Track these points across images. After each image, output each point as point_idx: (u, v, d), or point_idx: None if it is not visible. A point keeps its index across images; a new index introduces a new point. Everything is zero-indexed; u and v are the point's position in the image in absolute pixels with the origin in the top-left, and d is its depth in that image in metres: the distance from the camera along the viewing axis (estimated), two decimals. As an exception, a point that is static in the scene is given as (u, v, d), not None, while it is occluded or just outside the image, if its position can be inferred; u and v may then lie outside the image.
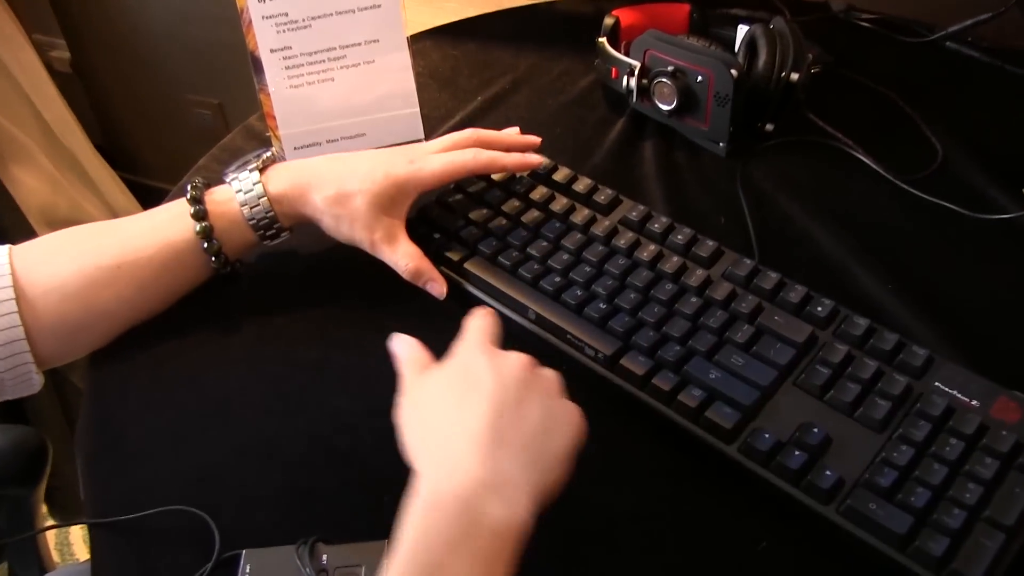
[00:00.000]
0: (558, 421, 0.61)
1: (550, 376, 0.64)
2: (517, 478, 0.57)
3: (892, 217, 0.90)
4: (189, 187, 0.79)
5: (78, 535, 1.86)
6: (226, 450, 0.71)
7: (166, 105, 2.15)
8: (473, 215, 0.85)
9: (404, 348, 0.68)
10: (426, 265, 0.80)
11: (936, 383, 0.68)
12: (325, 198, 0.79)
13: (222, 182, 0.81)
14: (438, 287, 0.80)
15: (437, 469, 0.58)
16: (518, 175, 0.88)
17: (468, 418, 0.60)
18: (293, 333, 0.80)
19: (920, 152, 0.97)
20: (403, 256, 0.80)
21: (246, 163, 0.81)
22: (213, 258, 0.79)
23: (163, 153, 2.29)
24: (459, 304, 0.80)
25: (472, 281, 0.81)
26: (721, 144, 0.97)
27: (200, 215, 0.77)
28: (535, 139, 0.90)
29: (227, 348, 0.79)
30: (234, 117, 2.05)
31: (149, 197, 1.82)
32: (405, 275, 0.80)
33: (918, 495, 0.61)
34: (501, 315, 0.77)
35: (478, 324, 0.68)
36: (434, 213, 0.86)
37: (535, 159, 0.87)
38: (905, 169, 0.94)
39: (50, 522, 1.55)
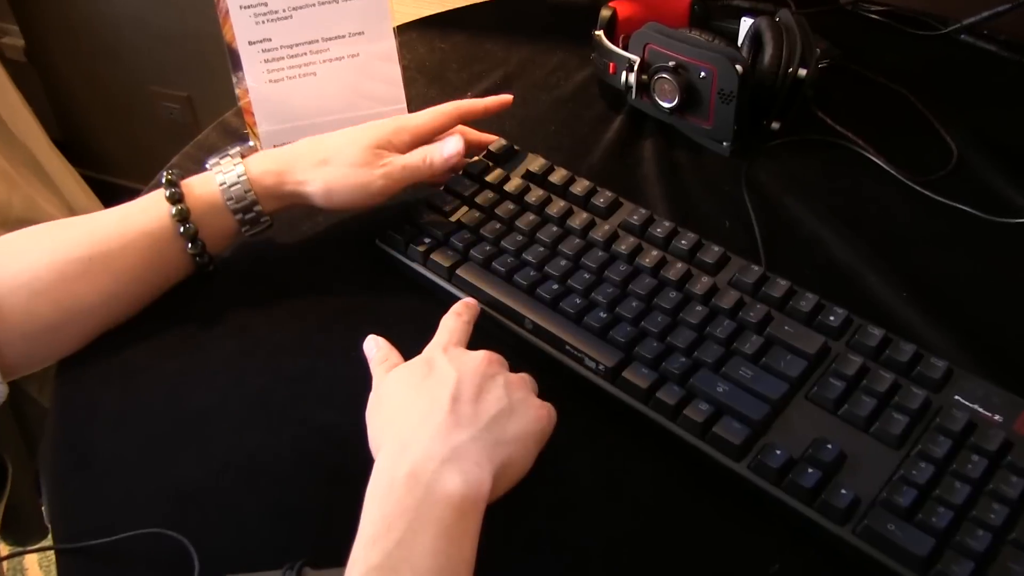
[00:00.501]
0: (519, 409, 0.65)
1: (516, 376, 0.69)
2: (474, 453, 0.61)
3: (905, 220, 0.91)
4: (165, 172, 0.79)
5: (33, 560, 1.85)
6: (205, 468, 0.71)
7: (130, 97, 2.14)
8: (464, 218, 0.85)
9: (373, 348, 0.73)
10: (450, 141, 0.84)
11: (956, 396, 0.69)
12: (310, 165, 0.81)
13: (200, 172, 0.82)
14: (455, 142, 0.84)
15: (392, 452, 0.61)
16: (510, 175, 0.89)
17: (425, 404, 0.64)
18: (277, 342, 0.80)
19: (934, 151, 0.98)
20: (416, 156, 0.83)
21: (226, 153, 0.81)
22: (190, 244, 0.79)
23: (127, 149, 2.28)
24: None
25: (464, 288, 0.81)
26: (725, 143, 0.98)
27: (176, 198, 0.78)
28: (507, 97, 0.92)
29: (206, 358, 0.79)
30: (204, 111, 2.05)
31: (113, 196, 1.80)
32: (440, 163, 0.83)
33: (939, 515, 0.62)
34: (496, 324, 0.78)
35: (448, 324, 0.73)
36: (422, 216, 0.86)
37: (507, 97, 0.91)
38: (918, 169, 0.94)
39: (1, 546, 1.54)
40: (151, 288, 0.80)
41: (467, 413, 0.63)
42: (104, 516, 0.68)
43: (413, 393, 0.66)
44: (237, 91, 0.94)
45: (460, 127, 0.88)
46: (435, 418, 0.63)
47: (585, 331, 0.75)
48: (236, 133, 1.02)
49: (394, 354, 0.73)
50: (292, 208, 0.84)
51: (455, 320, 0.74)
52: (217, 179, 0.80)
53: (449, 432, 0.61)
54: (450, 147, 0.84)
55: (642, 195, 0.94)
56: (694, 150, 1.00)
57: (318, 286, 0.84)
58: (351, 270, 0.86)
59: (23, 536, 1.59)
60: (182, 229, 0.78)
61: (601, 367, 0.73)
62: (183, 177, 0.80)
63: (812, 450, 0.66)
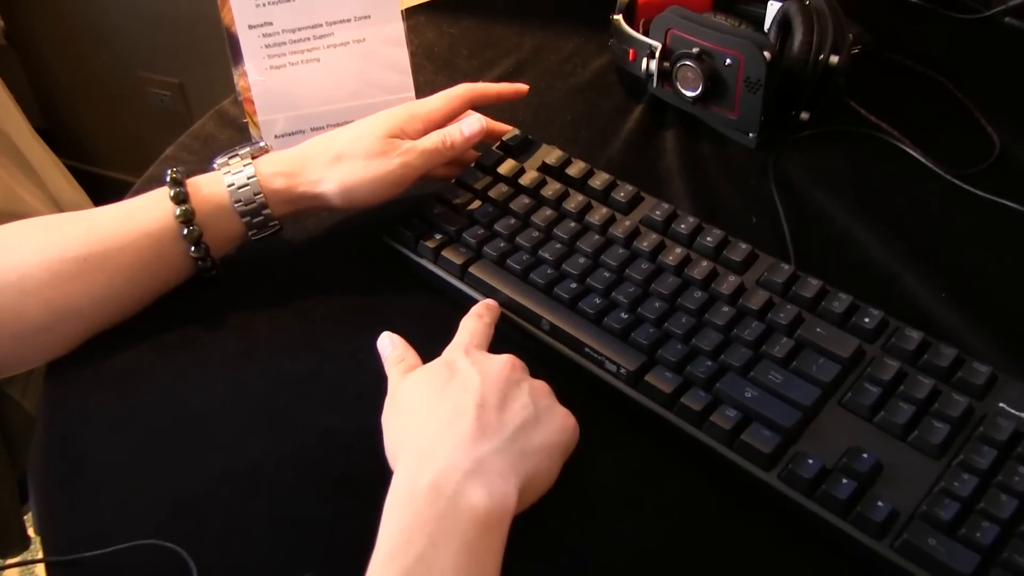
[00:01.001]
0: (544, 418, 0.65)
1: (539, 382, 0.69)
2: (499, 465, 0.60)
3: (944, 216, 0.91)
4: (169, 171, 0.79)
5: (13, 574, 1.85)
6: (204, 475, 0.71)
7: (118, 84, 2.14)
8: (477, 214, 0.85)
9: (388, 346, 0.73)
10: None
11: (1001, 404, 0.69)
12: (323, 163, 0.81)
13: (206, 171, 0.82)
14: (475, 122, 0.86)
15: (413, 461, 0.61)
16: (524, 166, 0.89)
17: (447, 411, 0.64)
18: (279, 342, 0.80)
19: (975, 143, 0.98)
20: (434, 139, 0.83)
21: (235, 153, 0.82)
22: (192, 247, 0.79)
23: (116, 139, 2.29)
24: (462, 312, 0.81)
25: (477, 287, 0.81)
26: (751, 135, 0.98)
27: (180, 197, 0.78)
28: (522, 86, 0.92)
29: (204, 359, 0.79)
30: (197, 99, 2.05)
31: (100, 188, 1.81)
32: (461, 143, 0.84)
33: (984, 530, 0.62)
34: (512, 325, 0.79)
35: (468, 326, 0.73)
36: (433, 210, 0.86)
37: (523, 86, 0.92)
38: (958, 162, 0.94)
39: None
40: (148, 291, 0.80)
41: (492, 422, 0.63)
42: (97, 526, 0.68)
43: (434, 398, 0.66)
44: (236, 78, 0.94)
45: (473, 114, 0.89)
46: (458, 426, 0.62)
47: (605, 333, 0.76)
48: (234, 123, 1.03)
49: (411, 354, 0.73)
50: (304, 213, 0.84)
51: (476, 322, 0.74)
52: (225, 180, 0.80)
53: (473, 442, 0.61)
54: (471, 125, 0.85)
55: (664, 189, 0.94)
56: (719, 142, 1.00)
57: (323, 284, 0.84)
58: (357, 267, 0.86)
59: (3, 548, 1.59)
60: (186, 231, 0.78)
61: (622, 371, 0.73)
62: (187, 174, 0.80)
63: (847, 459, 0.66)
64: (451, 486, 0.58)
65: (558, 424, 0.66)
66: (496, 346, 0.72)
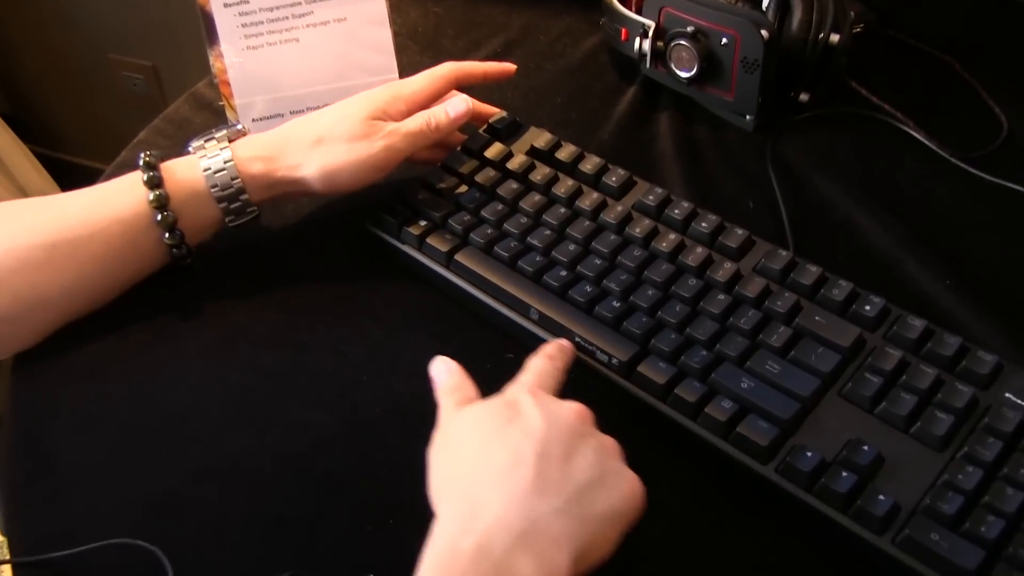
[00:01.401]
0: (611, 481, 0.60)
1: (609, 439, 0.64)
2: (555, 529, 0.56)
3: (949, 201, 0.91)
4: (142, 154, 0.79)
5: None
6: (180, 473, 0.71)
7: (88, 67, 2.14)
8: (464, 199, 0.86)
9: (444, 373, 0.69)
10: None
11: (1006, 394, 0.69)
12: (303, 147, 0.81)
13: (181, 154, 0.82)
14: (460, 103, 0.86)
15: (459, 512, 0.58)
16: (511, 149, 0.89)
17: (504, 457, 0.60)
18: (258, 334, 0.80)
19: (982, 126, 0.99)
20: (418, 121, 0.83)
21: (211, 136, 0.82)
22: (167, 234, 0.79)
23: (85, 125, 2.28)
24: (447, 301, 0.82)
25: (463, 276, 0.81)
26: (749, 117, 0.98)
27: (154, 182, 0.78)
28: (510, 66, 0.93)
29: (181, 352, 0.79)
30: (171, 83, 2.04)
31: (69, 176, 1.81)
32: (446, 125, 0.84)
33: (989, 524, 0.62)
34: (498, 315, 0.79)
35: (537, 366, 0.69)
36: (418, 196, 0.86)
37: (510, 66, 0.92)
38: (964, 145, 0.95)
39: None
40: (120, 281, 0.80)
41: (553, 476, 0.59)
42: (67, 526, 0.68)
43: (491, 439, 0.62)
44: (211, 59, 0.94)
45: (459, 95, 0.89)
46: (515, 477, 0.58)
47: (596, 322, 0.76)
48: (210, 106, 1.03)
49: (468, 384, 0.68)
50: (284, 199, 0.84)
51: (546, 363, 0.70)
52: (201, 164, 0.80)
53: (530, 498, 0.57)
54: (457, 107, 0.85)
55: (658, 174, 0.94)
56: (715, 124, 1.00)
57: (303, 273, 0.85)
58: (339, 255, 0.86)
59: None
60: (160, 217, 0.78)
61: (614, 361, 0.74)
62: (161, 158, 0.80)
63: (846, 452, 0.67)
64: (499, 550, 0.55)
65: (625, 489, 0.61)
66: (483, 342, 0.72)
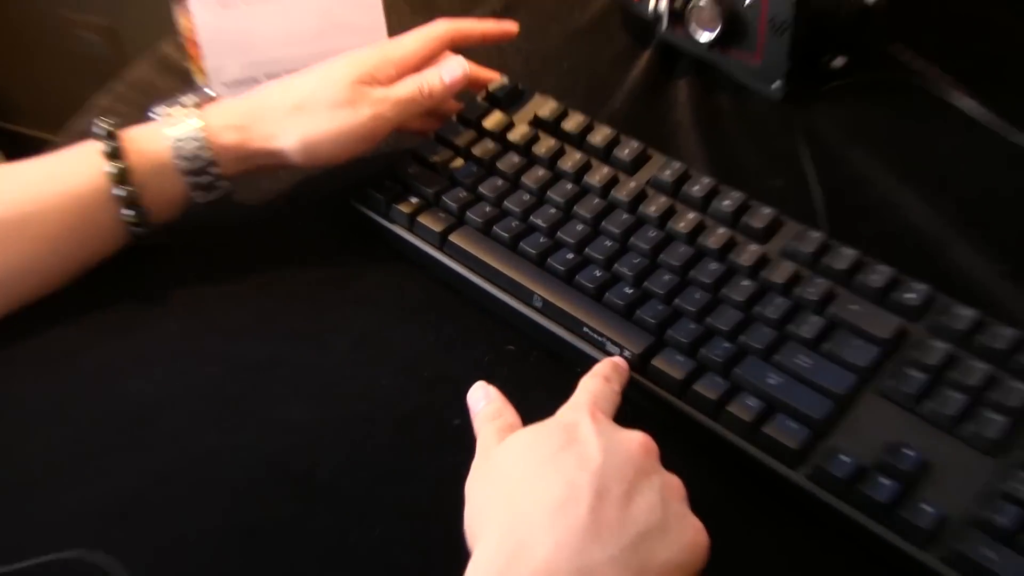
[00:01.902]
0: (674, 528, 0.59)
1: (674, 479, 0.63)
2: None
3: (1003, 178, 0.91)
4: (98, 122, 0.78)
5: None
6: (145, 475, 0.71)
7: (38, 27, 2.13)
8: (459, 174, 0.85)
9: (482, 399, 0.69)
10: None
11: (1067, 392, 0.69)
12: (282, 114, 0.81)
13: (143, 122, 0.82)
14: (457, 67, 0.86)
15: (502, 551, 0.56)
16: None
17: (556, 490, 0.58)
18: (231, 323, 0.80)
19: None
20: (410, 86, 0.83)
21: (178, 102, 0.82)
22: (127, 212, 0.78)
23: (36, 91, 2.27)
24: (441, 287, 0.82)
25: (459, 258, 0.81)
26: (777, 84, 0.98)
27: (113, 153, 0.77)
28: (512, 25, 0.92)
29: (145, 342, 0.79)
30: (132, 44, 2.03)
31: (19, 148, 1.80)
32: (440, 91, 0.84)
33: (1048, 538, 0.62)
34: (497, 303, 0.79)
35: (590, 387, 0.68)
36: (409, 170, 0.86)
37: (512, 25, 0.92)
38: (1019, 115, 0.94)
39: None
40: (75, 263, 0.80)
41: (611, 519, 0.56)
42: (16, 536, 0.68)
43: (543, 468, 0.60)
44: (178, 17, 0.94)
45: (454, 57, 0.88)
46: (568, 517, 0.56)
47: (607, 310, 0.76)
48: (176, 68, 1.02)
49: (509, 410, 0.67)
50: (259, 172, 0.84)
51: (602, 384, 0.68)
52: (166, 133, 0.79)
53: (583, 542, 0.55)
54: (452, 71, 0.84)
55: (675, 146, 0.94)
56: (739, 93, 1.00)
57: (280, 256, 0.85)
58: (321, 236, 0.87)
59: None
60: (119, 192, 0.78)
61: (626, 353, 0.74)
62: (121, 126, 0.80)
63: (886, 456, 0.67)
64: None
65: (688, 539, 0.59)
66: (474, 334, 0.72)
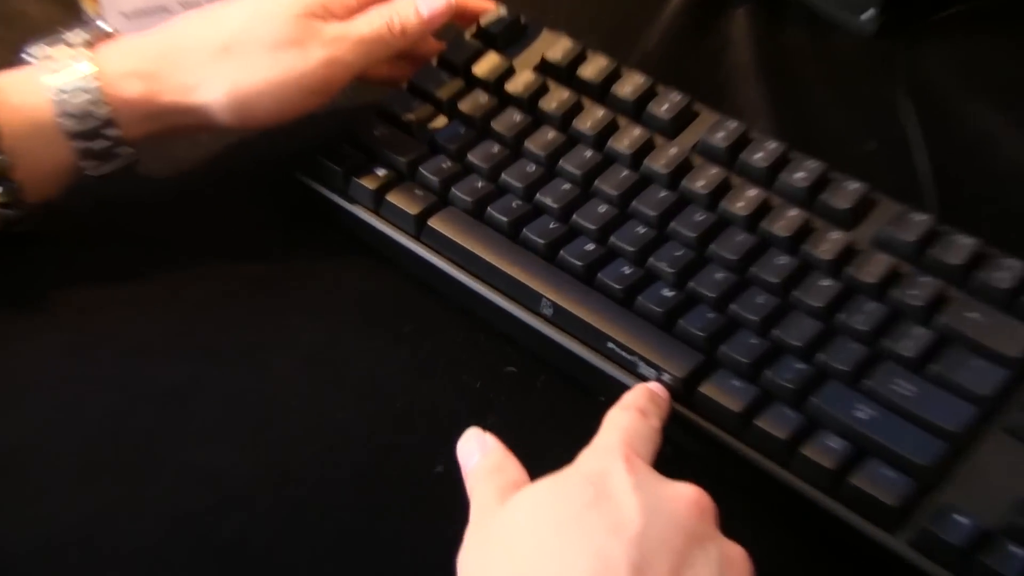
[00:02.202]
0: None
1: (735, 548, 0.61)
2: None
3: None
4: None
5: None
6: (12, 548, 0.70)
7: None
8: (442, 137, 0.85)
9: (476, 450, 0.67)
10: None
11: None
12: (205, 57, 0.80)
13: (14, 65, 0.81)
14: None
15: None
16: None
17: (581, 565, 0.57)
18: (135, 338, 0.80)
19: None
20: (375, 21, 0.83)
21: (61, 39, 0.81)
22: None
23: None
24: (416, 288, 0.81)
25: (442, 248, 0.81)
26: (869, 14, 0.97)
27: None
28: None
29: (16, 365, 0.79)
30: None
31: None
32: (415, 28, 0.84)
33: None
34: (491, 309, 0.78)
35: (622, 423, 0.67)
36: (374, 132, 0.86)
37: None
38: None
39: None
40: None
41: None
42: None
43: (562, 535, 0.58)
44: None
45: None
46: None
47: (639, 319, 0.75)
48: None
49: (512, 464, 0.66)
50: (172, 135, 0.84)
51: (637, 420, 0.67)
52: (46, 82, 0.78)
53: None
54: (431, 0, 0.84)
55: (731, 99, 0.94)
56: (815, 28, 1.00)
57: (203, 247, 0.85)
58: (257, 221, 0.86)
59: None
60: None
61: (666, 377, 0.73)
62: None
63: (1018, 517, 0.65)
64: None
65: None
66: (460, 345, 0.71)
